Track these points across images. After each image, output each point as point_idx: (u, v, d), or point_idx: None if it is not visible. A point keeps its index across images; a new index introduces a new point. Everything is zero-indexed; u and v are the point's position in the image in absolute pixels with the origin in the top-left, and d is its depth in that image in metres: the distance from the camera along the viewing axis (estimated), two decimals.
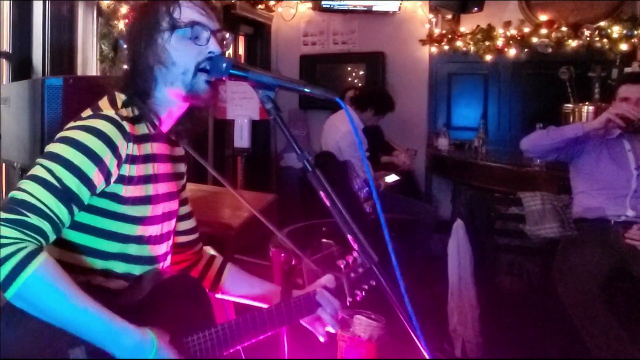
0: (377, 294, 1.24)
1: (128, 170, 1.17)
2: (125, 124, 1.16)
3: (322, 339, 1.40)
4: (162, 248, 1.30)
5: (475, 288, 2.85)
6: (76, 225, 1.16)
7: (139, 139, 1.20)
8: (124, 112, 1.20)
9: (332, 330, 1.39)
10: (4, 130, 2.38)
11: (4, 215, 1.03)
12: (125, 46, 1.25)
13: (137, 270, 1.24)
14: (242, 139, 3.98)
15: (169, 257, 1.35)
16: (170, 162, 1.33)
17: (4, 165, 2.73)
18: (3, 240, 1.00)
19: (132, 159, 1.17)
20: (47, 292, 1.01)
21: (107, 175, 1.13)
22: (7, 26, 2.98)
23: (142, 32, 1.22)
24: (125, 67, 1.26)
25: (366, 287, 1.42)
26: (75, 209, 1.11)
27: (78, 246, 1.18)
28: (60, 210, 1.07)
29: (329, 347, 1.58)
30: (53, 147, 1.12)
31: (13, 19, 2.97)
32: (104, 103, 1.22)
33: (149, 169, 1.23)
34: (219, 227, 2.31)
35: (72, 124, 1.16)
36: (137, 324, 1.09)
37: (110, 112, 1.16)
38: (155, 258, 1.28)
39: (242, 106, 3.97)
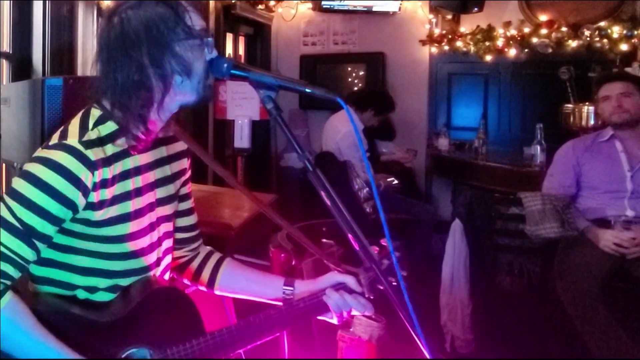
0: (379, 293, 1.25)
1: (97, 196, 1.14)
2: (89, 152, 1.12)
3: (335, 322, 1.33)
4: (153, 257, 1.28)
5: (468, 287, 2.86)
6: (57, 246, 1.17)
7: (111, 160, 1.16)
8: (94, 133, 1.15)
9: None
10: (4, 130, 2.38)
11: None
12: (124, 54, 1.13)
13: (124, 282, 1.23)
14: (242, 139, 3.98)
15: (162, 262, 1.33)
16: (166, 164, 1.32)
17: (4, 165, 2.72)
18: None
19: (103, 183, 1.15)
20: (10, 333, 1.06)
21: (71, 207, 1.12)
22: (7, 26, 2.98)
23: (154, 42, 1.13)
24: (113, 79, 1.14)
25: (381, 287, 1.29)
26: (41, 245, 1.12)
27: (61, 264, 1.19)
28: (23, 250, 1.09)
29: (329, 347, 1.58)
30: (16, 184, 1.12)
31: (13, 19, 2.97)
32: (73, 126, 1.16)
33: (128, 185, 1.20)
34: (219, 227, 2.31)
35: (37, 152, 1.14)
36: (122, 339, 1.12)
37: (74, 141, 1.12)
38: (146, 268, 1.26)
39: (242, 106, 3.97)
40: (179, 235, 1.42)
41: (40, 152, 1.14)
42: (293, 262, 2.05)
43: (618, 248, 2.48)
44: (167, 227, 1.34)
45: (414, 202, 4.22)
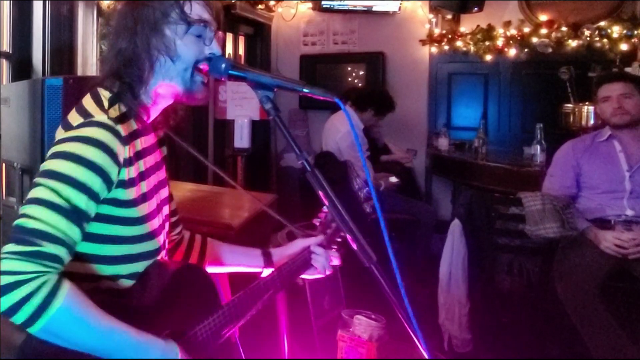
0: (377, 294, 1.24)
1: (127, 173, 1.15)
2: (119, 127, 1.13)
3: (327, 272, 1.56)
4: (162, 238, 1.30)
5: (466, 286, 2.87)
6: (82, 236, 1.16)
7: (130, 138, 1.17)
8: (113, 112, 1.16)
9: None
10: (4, 130, 2.38)
11: (18, 248, 0.99)
12: (118, 34, 1.21)
13: (142, 267, 1.22)
14: (242, 139, 3.98)
15: (166, 244, 1.35)
16: (154, 151, 1.32)
17: (4, 165, 2.72)
18: (22, 277, 0.96)
19: (130, 161, 1.16)
20: (75, 324, 1.00)
21: (110, 183, 1.11)
22: (7, 26, 2.98)
23: (147, 20, 1.18)
24: (116, 56, 1.21)
25: (339, 239, 1.61)
26: (86, 225, 1.09)
27: (84, 255, 1.15)
28: (73, 231, 1.05)
29: (329, 347, 1.59)
30: (53, 165, 1.07)
31: (13, 19, 2.97)
32: (90, 105, 1.17)
33: (142, 165, 1.22)
34: (219, 227, 2.31)
35: (65, 134, 1.12)
36: (152, 323, 1.11)
37: (103, 118, 1.13)
38: (158, 250, 1.26)
39: (242, 106, 3.98)
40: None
41: (71, 133, 1.11)
42: None
43: (619, 249, 2.48)
44: (166, 210, 1.35)
45: (414, 202, 4.22)
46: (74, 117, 1.16)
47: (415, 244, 3.87)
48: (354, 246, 1.13)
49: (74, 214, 1.05)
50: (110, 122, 1.12)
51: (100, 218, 1.13)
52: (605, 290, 2.43)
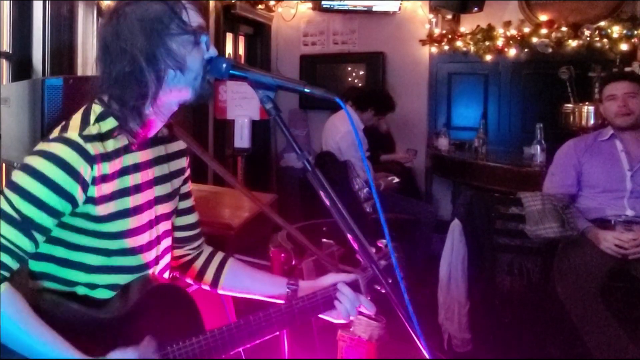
0: (377, 294, 1.25)
1: (97, 190, 1.15)
2: (89, 146, 1.13)
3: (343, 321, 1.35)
4: (152, 254, 1.29)
5: (466, 286, 2.87)
6: (56, 241, 1.18)
7: (111, 156, 1.17)
8: (94, 128, 1.16)
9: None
10: (4, 130, 2.38)
11: None
12: (110, 53, 1.17)
13: (123, 279, 1.23)
14: (242, 139, 3.98)
15: (161, 261, 1.34)
16: (165, 162, 1.32)
17: (4, 165, 2.72)
18: None
19: (103, 178, 1.16)
20: (6, 325, 1.05)
21: (70, 200, 1.13)
22: (7, 26, 2.98)
23: (148, 36, 1.15)
24: (110, 74, 1.17)
25: (379, 287, 1.33)
26: (39, 237, 1.12)
27: (60, 260, 1.19)
28: (21, 241, 1.09)
29: (329, 347, 1.58)
30: (16, 177, 1.13)
31: (13, 19, 2.97)
32: (74, 120, 1.18)
33: (127, 181, 1.21)
34: (219, 227, 2.31)
35: (38, 145, 1.16)
36: (122, 336, 1.11)
37: (74, 135, 1.14)
38: (144, 265, 1.27)
39: (242, 106, 3.97)
40: (181, 234, 1.43)
41: (40, 146, 1.15)
42: (293, 262, 2.05)
43: (619, 249, 2.48)
44: (166, 225, 1.34)
45: (414, 202, 4.22)
46: (57, 129, 1.18)
47: (415, 244, 3.87)
48: (355, 246, 1.13)
49: (25, 225, 1.09)
50: (79, 140, 1.13)
51: (73, 229, 1.18)
52: (605, 290, 2.43)
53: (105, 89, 1.20)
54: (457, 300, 2.87)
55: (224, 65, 1.20)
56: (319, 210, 1.63)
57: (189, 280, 1.47)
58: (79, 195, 1.13)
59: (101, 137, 1.17)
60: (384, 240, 1.32)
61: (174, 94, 1.21)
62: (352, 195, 3.61)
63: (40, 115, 1.97)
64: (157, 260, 1.32)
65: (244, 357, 1.39)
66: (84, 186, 1.14)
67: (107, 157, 1.17)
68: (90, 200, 1.15)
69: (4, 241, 1.08)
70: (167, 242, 1.36)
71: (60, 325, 1.11)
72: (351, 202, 3.50)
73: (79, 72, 3.16)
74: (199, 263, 1.46)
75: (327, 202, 1.13)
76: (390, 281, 1.18)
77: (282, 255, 2.07)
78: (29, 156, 1.15)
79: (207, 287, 1.45)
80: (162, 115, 1.24)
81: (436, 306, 2.95)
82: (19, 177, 1.12)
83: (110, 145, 1.18)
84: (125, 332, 1.15)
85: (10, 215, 1.09)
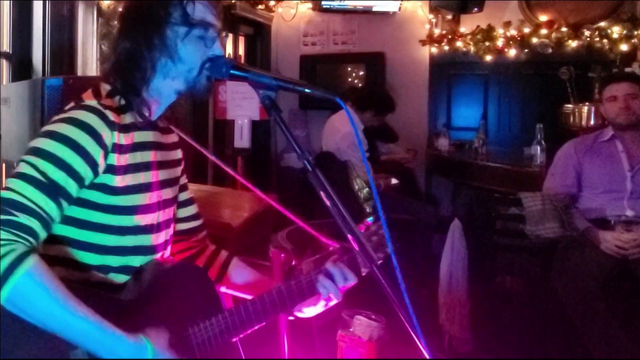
0: (377, 294, 1.25)
1: (116, 159, 1.16)
2: (108, 112, 1.15)
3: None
4: (161, 237, 1.29)
5: (466, 286, 2.87)
6: (70, 220, 1.16)
7: (126, 128, 1.19)
8: (108, 101, 1.19)
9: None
10: (4, 130, 2.38)
11: None
12: (121, 33, 1.22)
13: (135, 261, 1.23)
14: (242, 139, 3.98)
15: (169, 247, 1.34)
16: (164, 149, 1.33)
17: (4, 165, 2.72)
18: None
19: (120, 148, 1.17)
20: (38, 296, 0.99)
21: (93, 165, 1.12)
22: (7, 26, 2.98)
23: (149, 21, 1.19)
24: (116, 54, 1.22)
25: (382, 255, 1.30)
26: (64, 203, 1.09)
27: (73, 241, 1.17)
28: (48, 205, 1.06)
29: (329, 347, 1.58)
30: (36, 142, 1.11)
31: (13, 19, 2.97)
32: (87, 95, 1.21)
33: (140, 157, 1.22)
34: (219, 227, 2.31)
35: (55, 117, 1.16)
36: (141, 319, 1.09)
37: (92, 102, 1.16)
38: (154, 247, 1.27)
39: (242, 106, 3.97)
40: (186, 225, 1.43)
41: (59, 116, 1.15)
42: (293, 262, 2.05)
43: (619, 250, 2.48)
44: (169, 212, 1.34)
45: (414, 202, 4.22)
46: (69, 105, 1.19)
47: (415, 244, 3.87)
48: (355, 246, 1.13)
49: (51, 188, 1.06)
50: (98, 106, 1.15)
51: (88, 204, 1.16)
52: (605, 290, 2.43)
53: (110, 67, 1.23)
54: (458, 300, 2.87)
55: (225, 66, 1.21)
56: (319, 210, 1.63)
57: None
58: (101, 162, 1.13)
59: (117, 110, 1.19)
60: (370, 219, 1.33)
61: (168, 82, 1.23)
62: (352, 196, 3.61)
63: (40, 116, 1.97)
64: (165, 245, 1.32)
65: (244, 358, 1.39)
66: (106, 152, 1.13)
67: (123, 128, 1.18)
68: (109, 169, 1.15)
69: (32, 206, 1.03)
70: (170, 230, 1.36)
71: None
72: (351, 202, 3.51)
73: (79, 72, 3.16)
74: (203, 257, 1.46)
75: (328, 203, 1.12)
76: (382, 276, 1.12)
77: (282, 255, 2.07)
78: (48, 125, 1.13)
79: None
80: (160, 101, 1.26)
81: (436, 306, 2.94)
82: (41, 141, 1.09)
83: (124, 118, 1.20)
84: (149, 313, 1.14)
85: (37, 179, 1.05)
